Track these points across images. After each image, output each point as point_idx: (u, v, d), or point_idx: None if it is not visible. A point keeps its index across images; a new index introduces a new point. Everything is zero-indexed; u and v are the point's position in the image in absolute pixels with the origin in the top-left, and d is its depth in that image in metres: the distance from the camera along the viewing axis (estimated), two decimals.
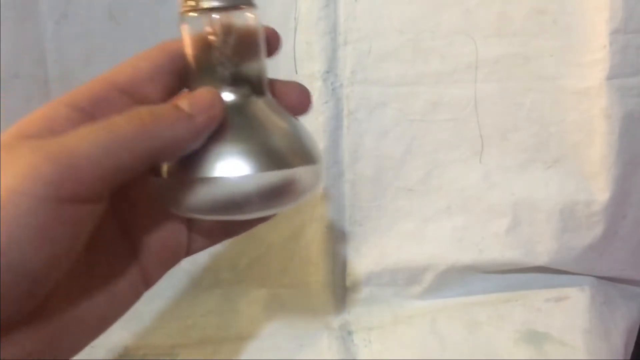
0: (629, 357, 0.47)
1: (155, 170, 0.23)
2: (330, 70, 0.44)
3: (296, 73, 0.45)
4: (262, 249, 0.49)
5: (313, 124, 0.45)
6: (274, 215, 0.25)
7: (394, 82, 0.45)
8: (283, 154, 0.22)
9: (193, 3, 0.23)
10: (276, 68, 0.44)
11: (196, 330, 0.47)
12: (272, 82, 0.26)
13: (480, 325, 0.47)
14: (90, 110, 0.21)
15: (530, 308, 0.48)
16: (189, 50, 0.23)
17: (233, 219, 0.24)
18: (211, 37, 0.23)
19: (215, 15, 0.23)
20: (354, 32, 0.44)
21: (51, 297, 0.20)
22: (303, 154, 0.23)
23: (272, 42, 0.26)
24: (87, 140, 0.19)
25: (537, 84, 0.45)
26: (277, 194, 0.22)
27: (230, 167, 0.21)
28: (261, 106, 0.24)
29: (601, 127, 0.44)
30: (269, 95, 0.25)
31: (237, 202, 0.22)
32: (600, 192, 0.45)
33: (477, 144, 0.47)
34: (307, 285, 0.49)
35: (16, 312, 0.19)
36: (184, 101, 0.21)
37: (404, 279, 0.48)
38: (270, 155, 0.22)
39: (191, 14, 0.23)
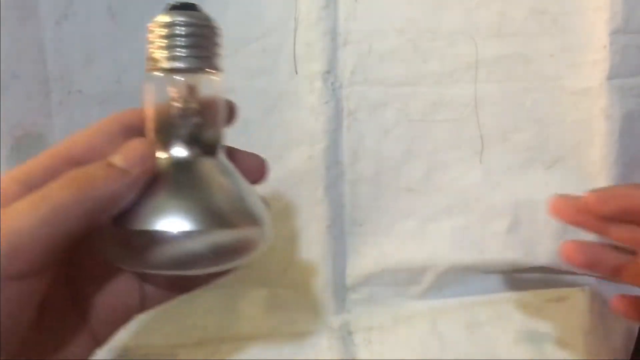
0: (629, 357, 0.47)
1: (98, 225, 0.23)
2: (330, 70, 0.44)
3: (296, 73, 0.45)
4: None
5: (313, 124, 0.45)
6: (226, 273, 0.26)
7: (394, 82, 0.45)
8: (224, 213, 0.23)
9: (157, 63, 0.23)
10: (276, 69, 0.45)
11: (196, 330, 0.47)
12: (231, 151, 0.27)
13: (481, 325, 0.47)
14: (41, 186, 0.21)
15: (530, 308, 0.48)
16: (148, 107, 0.24)
17: (171, 273, 0.24)
18: (172, 97, 0.23)
19: (178, 77, 0.23)
20: (354, 32, 0.44)
21: None
22: (245, 216, 0.24)
23: (229, 113, 0.26)
24: (25, 214, 0.19)
25: (537, 84, 0.45)
26: (214, 253, 0.23)
27: (169, 222, 0.21)
28: (211, 166, 0.24)
29: (601, 127, 0.44)
30: (221, 157, 0.25)
31: (173, 257, 0.22)
32: None
33: (477, 144, 0.47)
34: (307, 285, 0.49)
35: None
36: (117, 156, 0.21)
37: (404, 279, 0.48)
38: (210, 214, 0.22)
39: (155, 73, 0.23)
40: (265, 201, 0.26)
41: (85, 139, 0.23)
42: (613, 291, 0.50)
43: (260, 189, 0.47)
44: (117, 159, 0.21)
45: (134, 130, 0.24)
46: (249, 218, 0.24)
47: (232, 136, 0.46)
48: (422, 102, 0.45)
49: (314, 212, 0.47)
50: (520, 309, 0.48)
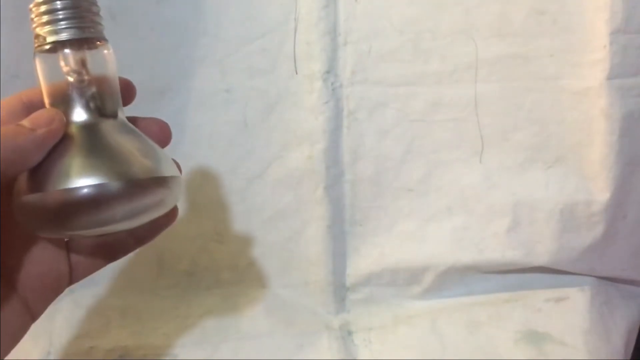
0: (629, 357, 0.47)
1: (14, 193, 0.24)
2: (330, 70, 0.44)
3: (296, 73, 0.45)
4: (262, 249, 0.49)
5: (313, 123, 0.45)
6: (146, 238, 0.27)
7: (394, 82, 0.45)
8: (130, 165, 0.24)
9: (42, 40, 0.24)
10: (276, 69, 0.45)
11: (196, 330, 0.47)
12: (134, 119, 0.27)
13: (481, 325, 0.47)
14: None
15: (530, 308, 0.48)
16: (42, 85, 0.25)
17: (86, 233, 0.24)
18: (64, 71, 0.24)
19: (67, 50, 0.24)
20: (354, 32, 0.44)
21: None
22: (152, 166, 0.24)
23: (128, 92, 0.27)
24: None
25: (537, 84, 0.45)
26: (124, 205, 0.23)
27: (77, 180, 0.22)
28: (113, 126, 0.25)
29: (601, 127, 0.44)
30: (121, 118, 0.26)
31: (85, 215, 0.23)
32: (600, 192, 0.45)
33: (477, 144, 0.47)
34: (307, 285, 0.49)
35: None
36: (25, 120, 0.23)
37: (404, 279, 0.48)
38: (116, 167, 0.23)
39: (45, 47, 0.24)
40: (174, 161, 0.27)
41: None
42: (613, 291, 0.50)
43: (261, 188, 0.47)
44: (25, 122, 0.22)
45: (35, 107, 0.25)
46: (156, 168, 0.25)
47: (232, 136, 0.46)
48: (422, 102, 0.45)
49: (314, 212, 0.47)
50: (520, 309, 0.48)
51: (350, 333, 0.47)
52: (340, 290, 0.49)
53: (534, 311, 0.47)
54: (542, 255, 0.47)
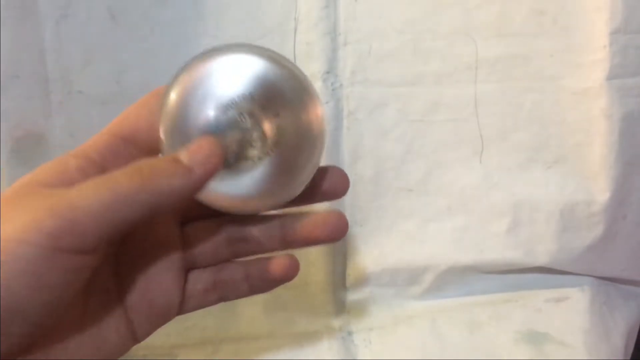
0: (629, 357, 0.47)
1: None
2: (330, 70, 0.44)
3: None
4: None
5: None
6: (262, 288, 0.28)
7: (394, 82, 0.45)
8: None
9: None
10: None
11: (196, 330, 0.47)
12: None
13: (481, 325, 0.47)
14: (99, 161, 0.23)
15: (530, 308, 0.48)
16: None
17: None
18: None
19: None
20: (354, 32, 0.44)
21: (44, 335, 0.21)
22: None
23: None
24: (88, 195, 0.20)
25: (537, 84, 0.45)
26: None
27: None
28: None
29: (601, 127, 0.44)
30: None
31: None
32: (600, 192, 0.45)
33: (477, 144, 0.47)
34: (307, 285, 0.49)
35: (13, 350, 0.20)
36: (184, 152, 0.22)
37: (404, 279, 0.48)
38: None
39: None
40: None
41: (133, 116, 0.24)
42: (613, 291, 0.50)
43: None
44: (183, 155, 0.22)
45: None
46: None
47: None
48: (422, 102, 0.45)
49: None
50: (520, 309, 0.48)
51: (350, 333, 0.47)
52: (340, 290, 0.49)
53: (534, 311, 0.47)
54: (542, 255, 0.47)
